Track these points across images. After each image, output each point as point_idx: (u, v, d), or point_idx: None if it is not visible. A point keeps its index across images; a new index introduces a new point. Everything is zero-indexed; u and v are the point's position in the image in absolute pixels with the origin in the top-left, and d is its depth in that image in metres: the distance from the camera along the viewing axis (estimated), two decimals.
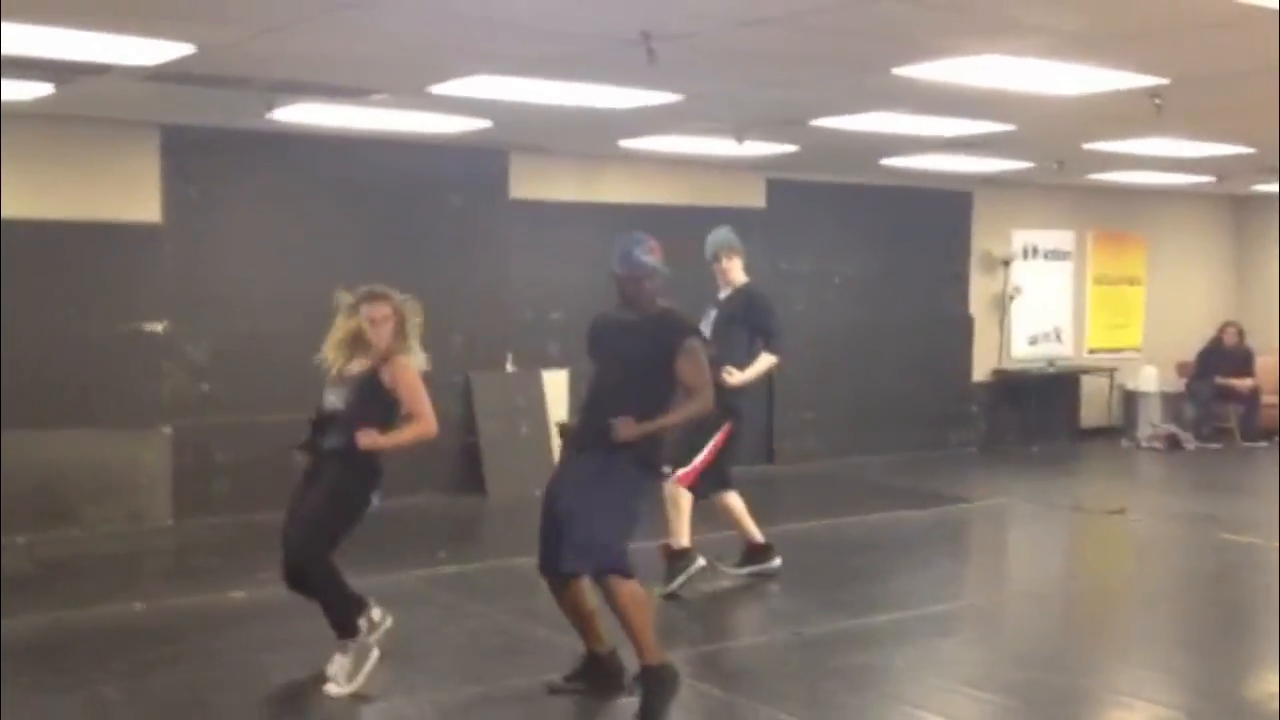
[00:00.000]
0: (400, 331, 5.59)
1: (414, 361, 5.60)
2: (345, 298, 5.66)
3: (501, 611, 6.78)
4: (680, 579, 6.98)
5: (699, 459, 7.01)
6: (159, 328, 9.12)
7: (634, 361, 5.24)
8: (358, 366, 5.55)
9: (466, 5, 5.27)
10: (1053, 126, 8.77)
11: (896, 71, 6.50)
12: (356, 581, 7.33)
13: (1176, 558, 8.83)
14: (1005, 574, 8.55)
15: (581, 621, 5.41)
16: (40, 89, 7.16)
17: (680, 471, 6.96)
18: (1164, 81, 6.66)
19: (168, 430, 9.18)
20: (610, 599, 5.12)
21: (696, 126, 9.01)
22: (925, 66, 6.36)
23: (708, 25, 5.55)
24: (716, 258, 7.51)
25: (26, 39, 5.72)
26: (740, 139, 9.34)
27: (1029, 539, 9.90)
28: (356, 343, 5.56)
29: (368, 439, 5.39)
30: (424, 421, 5.51)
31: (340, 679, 5.42)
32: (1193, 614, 7.21)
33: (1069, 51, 6.05)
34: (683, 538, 7.03)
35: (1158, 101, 6.90)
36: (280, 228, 9.58)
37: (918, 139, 9.44)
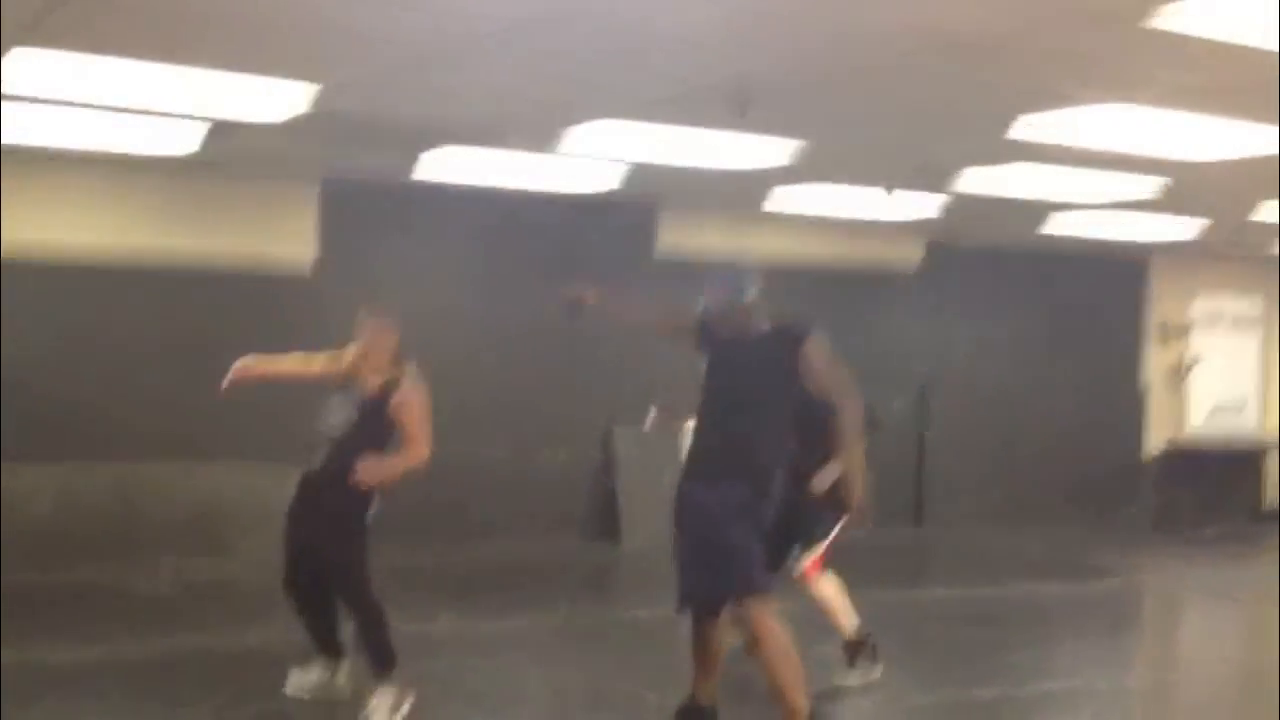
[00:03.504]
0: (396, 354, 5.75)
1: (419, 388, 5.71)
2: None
3: (599, 664, 6.78)
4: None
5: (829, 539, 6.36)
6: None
7: (749, 384, 5.14)
8: (368, 384, 5.68)
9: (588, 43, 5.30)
10: (1209, 192, 8.42)
11: (1018, 123, 6.38)
12: (469, 625, 7.56)
13: None
14: (1131, 658, 8.08)
15: (709, 663, 5.25)
16: (188, 144, 7.54)
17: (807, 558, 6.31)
18: None
19: None
20: (754, 635, 4.95)
21: (841, 177, 8.91)
22: (1048, 116, 6.22)
23: (810, 71, 5.55)
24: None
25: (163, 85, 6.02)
26: (890, 189, 9.19)
27: (1168, 624, 9.49)
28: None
29: (368, 473, 5.50)
30: (415, 449, 5.58)
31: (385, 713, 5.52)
32: None
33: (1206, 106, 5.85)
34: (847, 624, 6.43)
35: None
36: (430, 279, 9.86)
37: (1072, 201, 9.17)
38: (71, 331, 8.83)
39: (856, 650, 6.36)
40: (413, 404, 5.65)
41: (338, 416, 5.70)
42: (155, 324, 9.08)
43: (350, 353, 5.83)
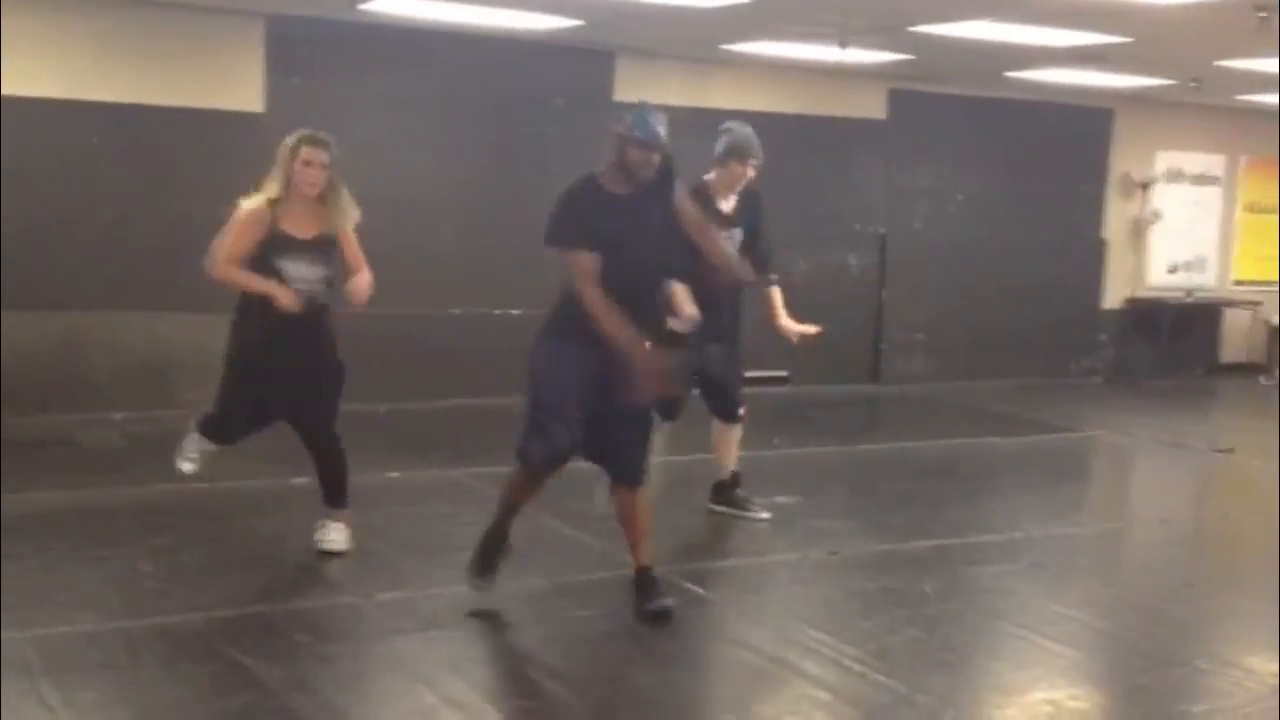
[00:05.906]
0: (335, 185, 5.64)
1: (353, 215, 5.76)
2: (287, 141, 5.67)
3: (549, 514, 6.77)
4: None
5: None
6: None
7: (652, 233, 5.00)
8: (310, 230, 5.60)
9: None
10: (1171, 40, 8.26)
11: None
12: (417, 475, 7.55)
13: (1272, 501, 8.34)
14: (1072, 508, 8.14)
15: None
16: None
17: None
18: None
19: None
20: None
21: (796, 31, 8.73)
22: None
23: None
24: (748, 159, 6.51)
25: None
26: (844, 44, 9.01)
27: (1115, 474, 9.58)
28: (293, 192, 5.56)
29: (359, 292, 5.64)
30: (367, 271, 5.73)
31: (342, 542, 5.81)
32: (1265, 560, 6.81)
33: None
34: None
35: (1262, 15, 6.40)
36: (381, 121, 9.62)
37: (1034, 49, 8.99)
38: (14, 172, 8.52)
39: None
40: (350, 232, 5.74)
41: (314, 272, 5.62)
42: (102, 165, 8.82)
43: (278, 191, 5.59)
